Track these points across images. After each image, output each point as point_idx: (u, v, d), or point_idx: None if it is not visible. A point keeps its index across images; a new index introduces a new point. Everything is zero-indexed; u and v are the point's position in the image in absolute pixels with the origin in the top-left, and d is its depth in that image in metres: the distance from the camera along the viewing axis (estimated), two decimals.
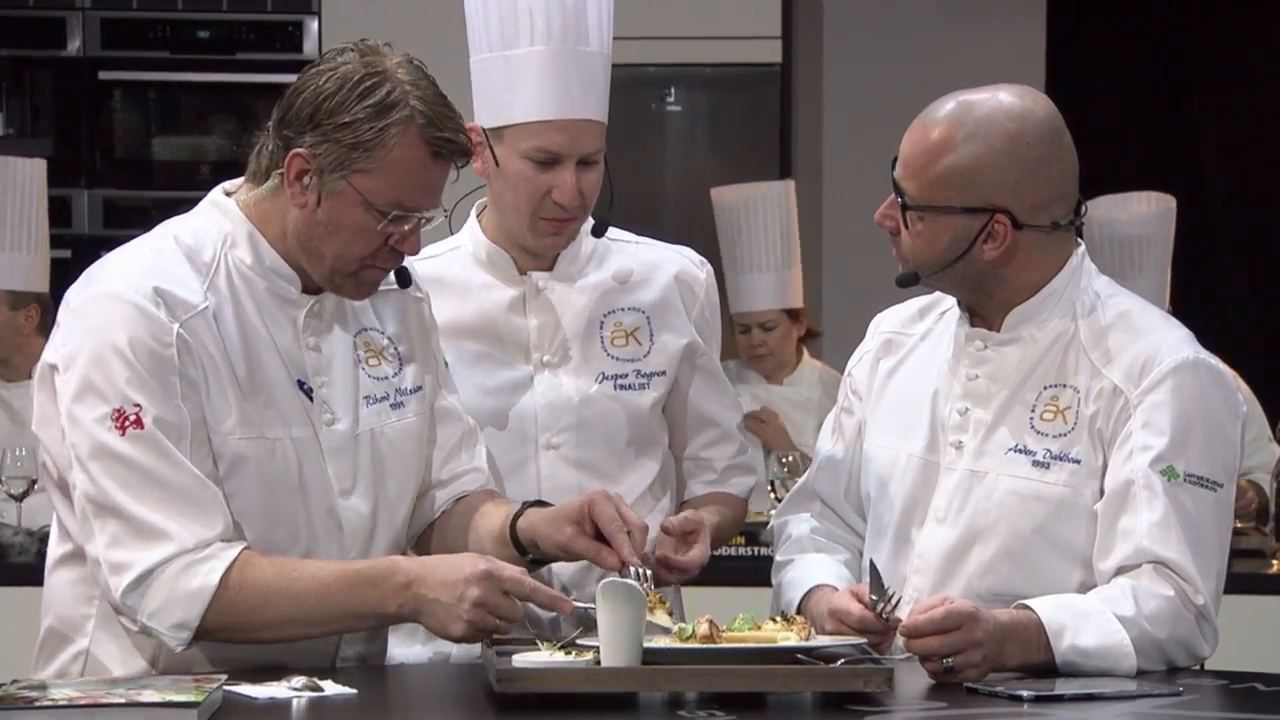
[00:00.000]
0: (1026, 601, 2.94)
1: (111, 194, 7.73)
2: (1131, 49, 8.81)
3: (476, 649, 2.97)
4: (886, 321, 3.33)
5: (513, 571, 2.82)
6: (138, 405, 2.79)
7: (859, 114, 8.17)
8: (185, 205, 3.05)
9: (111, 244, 3.00)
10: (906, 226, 3.08)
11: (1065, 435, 3.06)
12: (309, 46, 7.69)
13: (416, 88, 2.87)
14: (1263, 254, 8.62)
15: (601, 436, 3.35)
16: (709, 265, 3.52)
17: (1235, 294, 8.64)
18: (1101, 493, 3.03)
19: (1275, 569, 5.54)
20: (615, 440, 3.36)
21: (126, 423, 2.79)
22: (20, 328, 6.16)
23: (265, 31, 7.75)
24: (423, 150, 2.87)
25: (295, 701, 2.65)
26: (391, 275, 3.02)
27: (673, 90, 7.91)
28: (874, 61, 8.29)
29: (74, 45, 7.71)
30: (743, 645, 2.75)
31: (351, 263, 2.92)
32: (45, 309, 6.08)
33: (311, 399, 2.95)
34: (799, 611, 3.11)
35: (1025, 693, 2.71)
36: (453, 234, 3.42)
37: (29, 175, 6.29)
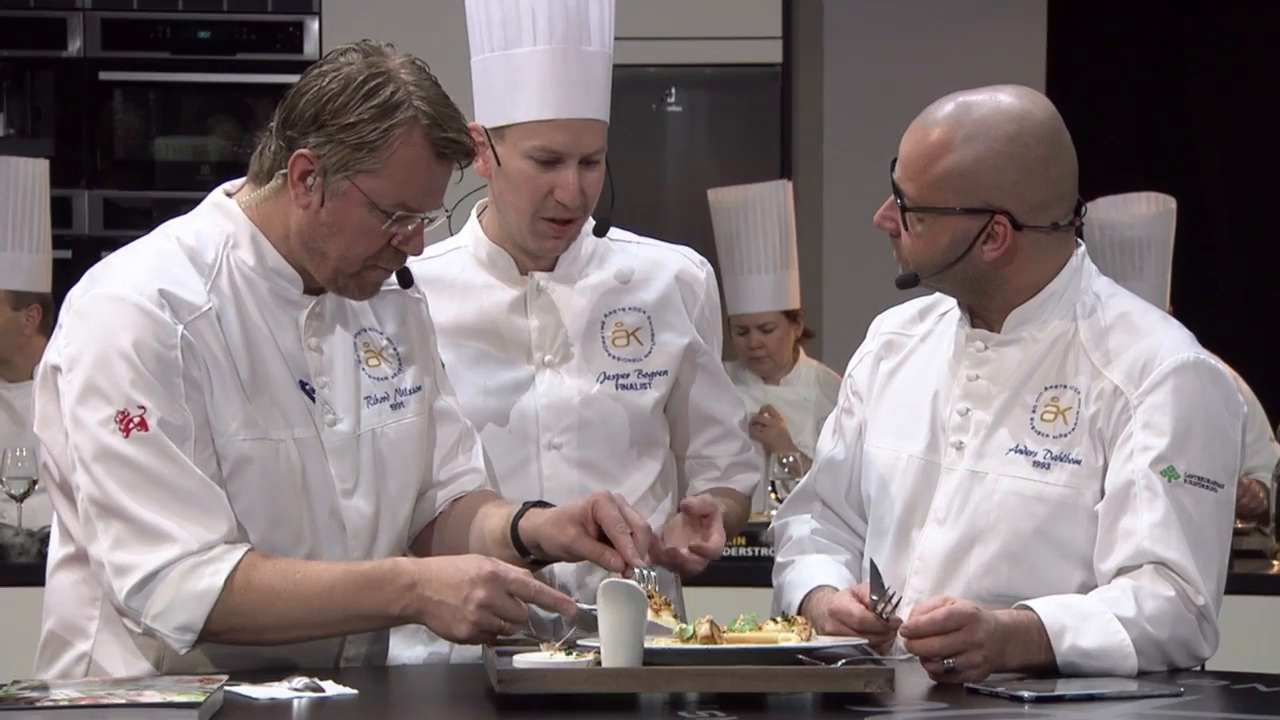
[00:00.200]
0: (1027, 602, 2.94)
1: (112, 194, 7.73)
2: (1132, 50, 8.81)
3: (477, 650, 2.97)
4: (887, 323, 3.33)
5: (518, 573, 2.82)
6: (142, 407, 2.79)
7: (859, 114, 8.17)
8: (186, 206, 3.05)
9: (112, 244, 3.00)
10: (906, 228, 3.08)
11: (1065, 436, 3.06)
12: (309, 47, 7.69)
13: (420, 88, 2.87)
14: (1262, 254, 8.62)
15: (603, 436, 3.35)
16: (709, 265, 3.52)
17: (1235, 294, 8.64)
18: (1102, 493, 3.03)
19: (1276, 569, 5.55)
20: (617, 440, 3.36)
21: (131, 425, 2.79)
22: (22, 328, 6.16)
23: (266, 32, 7.76)
24: (427, 151, 2.87)
25: (296, 702, 2.65)
26: (393, 275, 3.02)
27: (673, 91, 7.91)
28: (874, 62, 8.29)
29: (75, 46, 7.71)
30: (744, 646, 2.75)
31: (355, 263, 2.92)
32: (47, 309, 6.07)
33: (313, 399, 2.96)
34: (800, 612, 3.11)
35: (1026, 693, 2.71)
36: (453, 234, 3.42)
37: (32, 175, 6.29)
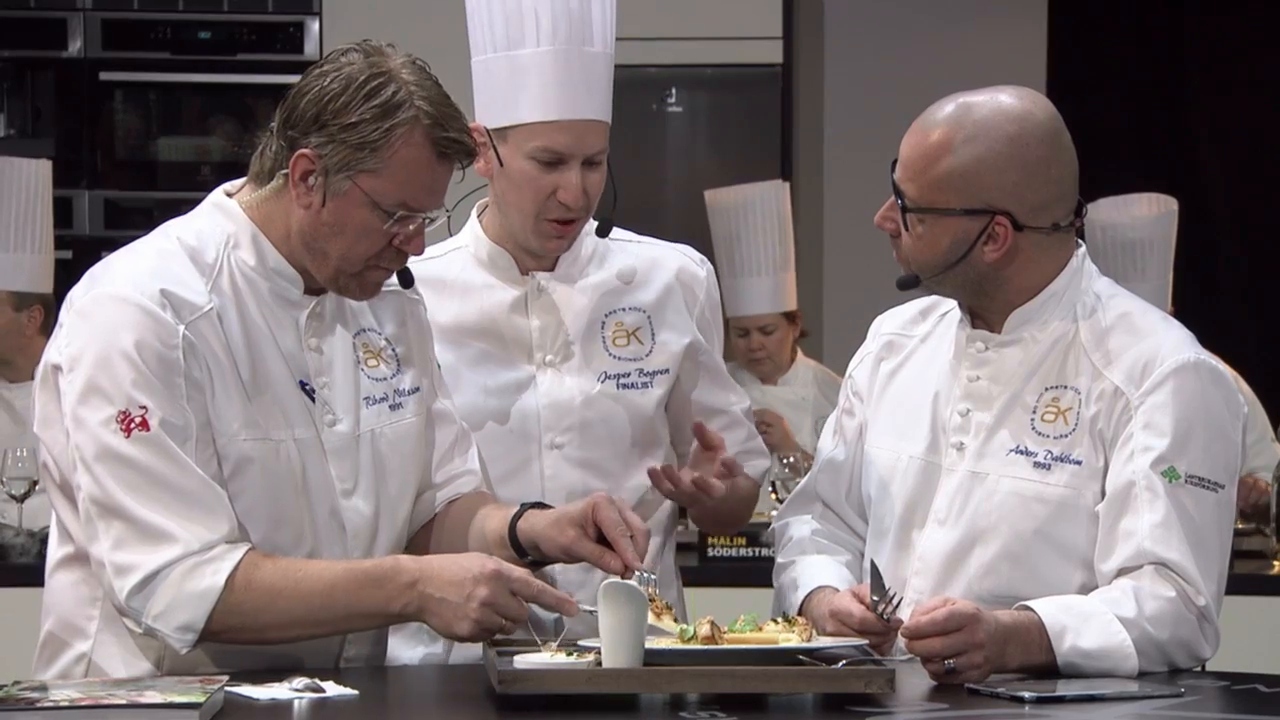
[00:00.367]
0: (1028, 603, 2.94)
1: (113, 195, 7.73)
2: (1132, 50, 8.81)
3: (478, 650, 2.97)
4: (887, 323, 3.33)
5: (521, 572, 2.83)
6: (143, 407, 2.79)
7: (860, 114, 8.17)
8: (186, 206, 3.05)
9: (113, 245, 3.00)
10: (907, 229, 3.08)
11: (1066, 437, 3.06)
12: (310, 47, 7.69)
13: (421, 88, 2.87)
14: (1263, 255, 8.62)
15: (604, 436, 3.35)
16: (709, 264, 3.52)
17: (1235, 295, 8.63)
18: (1103, 494, 3.03)
19: (1276, 570, 5.55)
20: (618, 440, 3.36)
21: (132, 425, 2.79)
22: (24, 328, 6.16)
23: (266, 32, 7.76)
24: (428, 150, 2.87)
25: (297, 703, 2.65)
26: (393, 275, 3.02)
27: (674, 91, 7.92)
28: (875, 62, 8.29)
29: (75, 46, 7.71)
30: (744, 646, 2.75)
31: (356, 263, 2.92)
32: (49, 310, 6.07)
33: (313, 400, 2.96)
34: (800, 613, 3.11)
35: (1027, 694, 2.71)
36: (452, 235, 3.42)
37: (34, 176, 6.29)
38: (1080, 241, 3.15)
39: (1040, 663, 2.89)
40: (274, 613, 2.81)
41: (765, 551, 5.21)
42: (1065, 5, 8.49)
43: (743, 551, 5.39)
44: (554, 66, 3.25)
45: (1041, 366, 3.10)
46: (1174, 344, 3.06)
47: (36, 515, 5.39)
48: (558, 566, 3.17)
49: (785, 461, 5.55)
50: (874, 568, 2.99)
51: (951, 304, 3.21)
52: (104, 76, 7.72)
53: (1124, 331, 3.08)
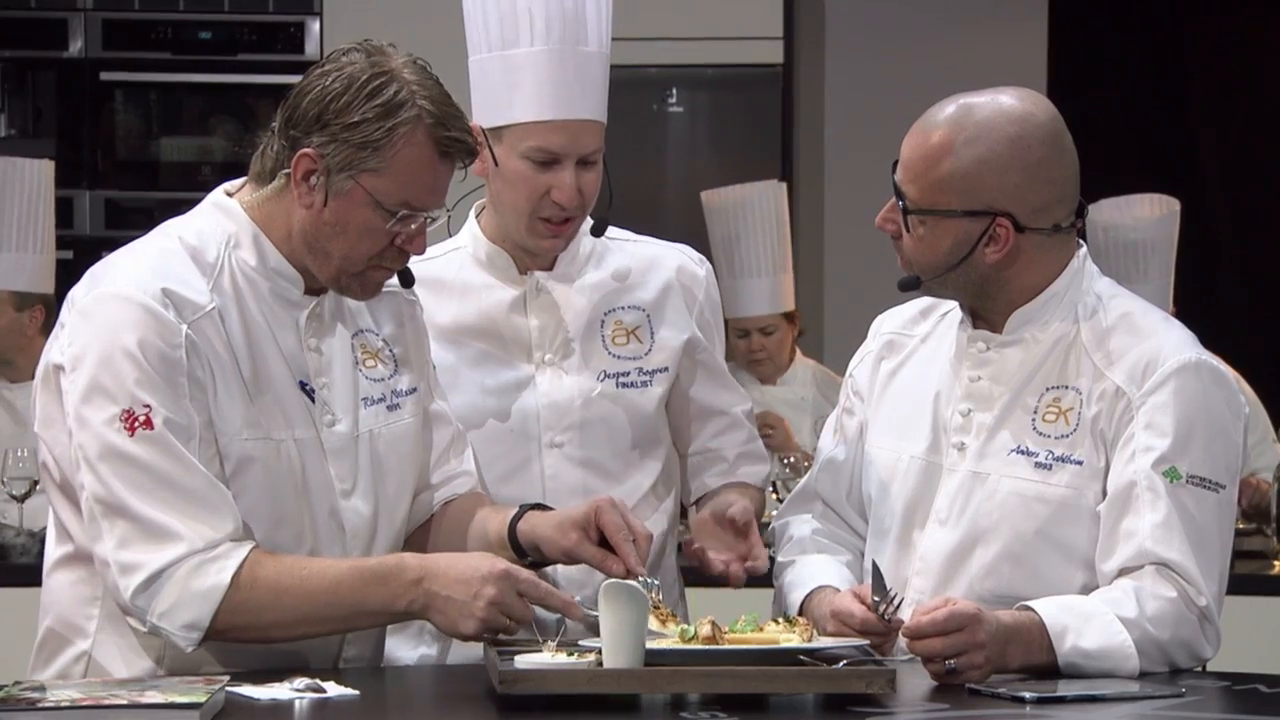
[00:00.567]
0: (1029, 603, 2.94)
1: (113, 195, 7.73)
2: (1133, 51, 8.81)
3: (478, 651, 2.97)
4: (888, 322, 3.33)
5: (529, 574, 2.83)
6: (147, 406, 2.79)
7: (860, 115, 8.17)
8: (187, 206, 3.05)
9: (113, 245, 3.00)
10: (908, 230, 3.07)
11: (1067, 437, 3.06)
12: (310, 47, 7.69)
13: (423, 87, 2.88)
14: (1264, 255, 8.62)
15: (605, 435, 3.35)
16: (708, 263, 3.52)
17: (1237, 295, 8.64)
18: (1104, 494, 3.03)
19: (1277, 570, 5.54)
20: (619, 439, 3.36)
21: (136, 424, 2.79)
22: (25, 328, 6.16)
23: (267, 32, 7.76)
24: (430, 150, 2.88)
25: (297, 703, 2.65)
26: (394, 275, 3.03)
27: (674, 91, 7.92)
28: (875, 62, 8.29)
29: (76, 46, 7.71)
30: (745, 647, 2.75)
31: (358, 263, 2.92)
32: (50, 310, 6.07)
33: (313, 400, 2.96)
34: (801, 613, 3.11)
35: (1027, 694, 2.71)
36: (451, 235, 3.42)
37: (36, 176, 6.29)
38: (1081, 242, 3.15)
39: (1041, 663, 2.89)
40: (279, 610, 2.81)
41: (766, 552, 5.20)
42: (1065, 5, 8.49)
43: None
44: (548, 66, 3.25)
45: (1043, 367, 3.10)
46: (1175, 344, 3.06)
47: (37, 515, 5.39)
48: (559, 566, 3.17)
49: (786, 462, 5.55)
50: (875, 568, 2.99)
51: (952, 304, 3.21)
52: (105, 76, 7.72)
53: (1125, 332, 3.08)
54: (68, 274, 5.09)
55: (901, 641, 2.90)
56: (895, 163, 3.09)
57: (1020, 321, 3.11)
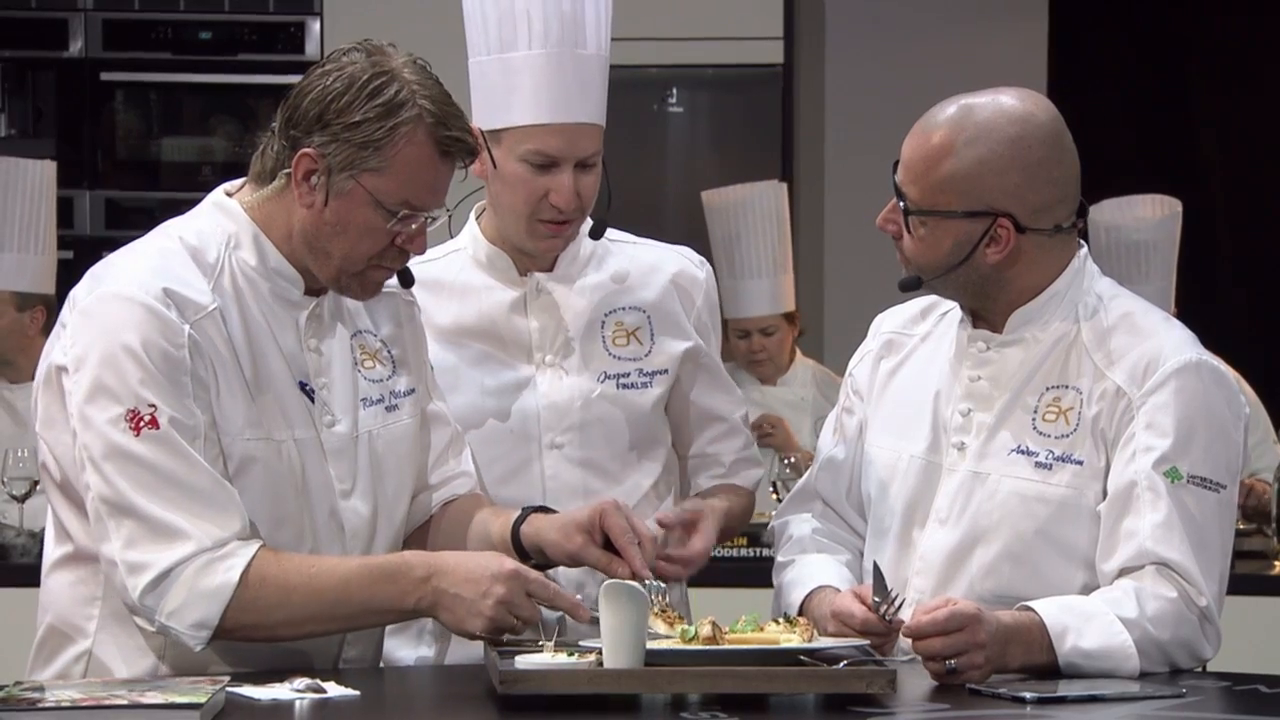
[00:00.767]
0: (1029, 603, 2.94)
1: (114, 195, 7.73)
2: (1133, 50, 8.81)
3: (478, 651, 2.97)
4: (888, 322, 3.33)
5: (538, 575, 2.84)
6: (152, 405, 2.79)
7: (860, 115, 8.17)
8: (187, 206, 3.05)
9: (114, 245, 3.00)
10: (909, 231, 3.07)
11: (1068, 437, 3.06)
12: (310, 47, 7.69)
13: (424, 87, 2.88)
14: (1265, 256, 8.61)
15: (605, 436, 3.35)
16: (708, 265, 3.52)
17: (1237, 296, 8.63)
18: (1104, 494, 3.03)
19: (1278, 570, 5.54)
20: (618, 440, 3.36)
21: (141, 423, 2.79)
22: (26, 329, 6.16)
23: (267, 32, 7.76)
24: (431, 149, 2.88)
25: (298, 703, 2.65)
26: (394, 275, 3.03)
27: (674, 91, 7.91)
28: (875, 62, 8.29)
29: (76, 46, 7.71)
30: (745, 647, 2.75)
31: (359, 262, 2.92)
32: (51, 311, 6.07)
33: (313, 400, 2.96)
34: (801, 613, 3.11)
35: (1028, 694, 2.71)
36: (452, 236, 3.42)
37: (38, 177, 6.29)
38: (1082, 242, 3.16)
39: (1041, 663, 2.89)
40: (288, 608, 2.81)
41: (766, 551, 5.20)
42: (1065, 5, 8.49)
43: (744, 551, 5.39)
44: (546, 69, 3.25)
45: (1043, 366, 3.10)
46: (1176, 344, 3.06)
47: (37, 515, 5.38)
48: (560, 568, 3.17)
49: (786, 462, 5.55)
50: (876, 568, 2.99)
51: (952, 304, 3.21)
52: (105, 77, 7.72)
53: (1126, 332, 3.08)
54: (68, 274, 5.09)
55: (902, 642, 2.90)
56: (896, 163, 3.09)
57: (1020, 321, 3.11)
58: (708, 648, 2.73)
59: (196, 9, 7.73)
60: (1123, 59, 8.79)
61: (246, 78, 7.73)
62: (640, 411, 3.38)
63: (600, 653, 2.70)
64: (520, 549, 3.03)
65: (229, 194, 2.99)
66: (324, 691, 2.69)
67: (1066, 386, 3.08)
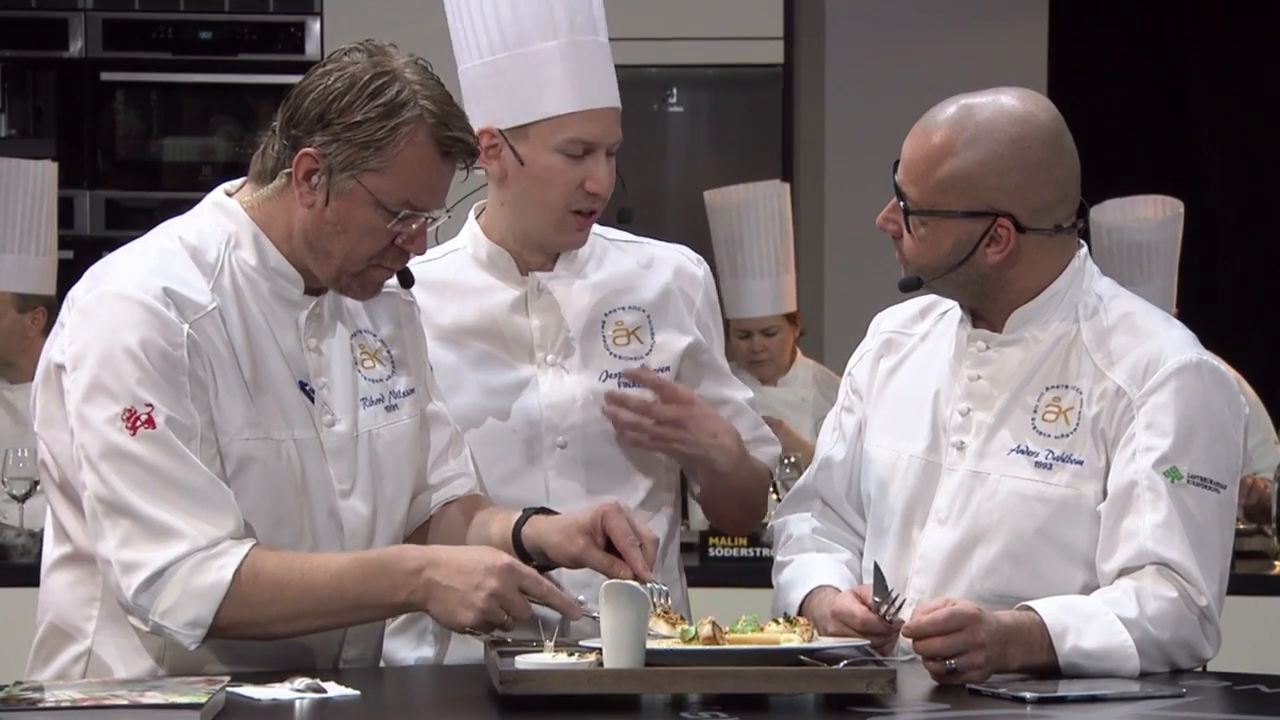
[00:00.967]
0: (1029, 603, 2.94)
1: (114, 195, 7.73)
2: (1134, 51, 8.81)
3: (478, 651, 2.97)
4: (887, 321, 3.33)
5: (532, 570, 2.84)
6: (149, 405, 2.79)
7: (861, 115, 8.17)
8: (188, 206, 3.05)
9: (114, 245, 3.00)
10: (909, 231, 3.07)
11: (1068, 436, 3.06)
12: (311, 47, 7.69)
13: (425, 88, 2.88)
14: (1265, 257, 8.62)
15: (607, 435, 3.34)
16: (705, 264, 3.52)
17: (1238, 297, 8.63)
18: (1104, 494, 3.03)
19: (1278, 570, 5.55)
20: (621, 439, 3.36)
21: (138, 423, 2.79)
22: (27, 330, 6.16)
23: (267, 32, 7.76)
24: (432, 150, 2.88)
25: (298, 703, 2.65)
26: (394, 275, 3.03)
27: (674, 91, 7.92)
28: (876, 62, 8.29)
29: (76, 46, 7.71)
30: (745, 647, 2.75)
31: (359, 262, 2.92)
32: (52, 311, 6.06)
33: (312, 400, 2.96)
34: (801, 612, 3.11)
35: (1028, 694, 2.71)
36: (438, 243, 3.40)
37: (39, 177, 6.29)
38: (1082, 242, 3.16)
39: (1042, 663, 2.89)
40: (281, 605, 2.81)
41: (766, 551, 5.20)
42: (1066, 5, 8.49)
43: (744, 551, 5.39)
44: (574, 57, 3.25)
45: (1043, 366, 3.10)
46: (1176, 344, 3.06)
47: (37, 515, 5.38)
48: (562, 569, 3.17)
49: (787, 461, 5.55)
50: (876, 568, 2.99)
51: (951, 303, 3.21)
52: (105, 76, 7.72)
53: (1126, 332, 3.08)
54: (68, 274, 5.09)
55: (903, 642, 2.90)
56: (896, 163, 3.09)
57: (1020, 321, 3.11)
58: (708, 648, 2.73)
59: (196, 9, 7.74)
60: (1123, 59, 8.79)
61: (246, 78, 7.73)
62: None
63: (600, 653, 2.70)
64: (521, 550, 3.02)
65: (229, 194, 2.99)
66: (324, 691, 2.69)
67: (1066, 386, 3.08)
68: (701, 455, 3.32)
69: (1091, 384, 3.06)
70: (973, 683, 2.80)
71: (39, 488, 5.26)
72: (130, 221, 7.44)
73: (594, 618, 2.79)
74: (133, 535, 2.79)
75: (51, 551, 2.97)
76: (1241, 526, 5.46)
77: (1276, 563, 5.58)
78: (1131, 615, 2.92)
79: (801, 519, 3.33)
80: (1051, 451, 3.06)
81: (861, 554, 3.26)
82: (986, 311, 3.14)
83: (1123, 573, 2.99)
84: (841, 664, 2.73)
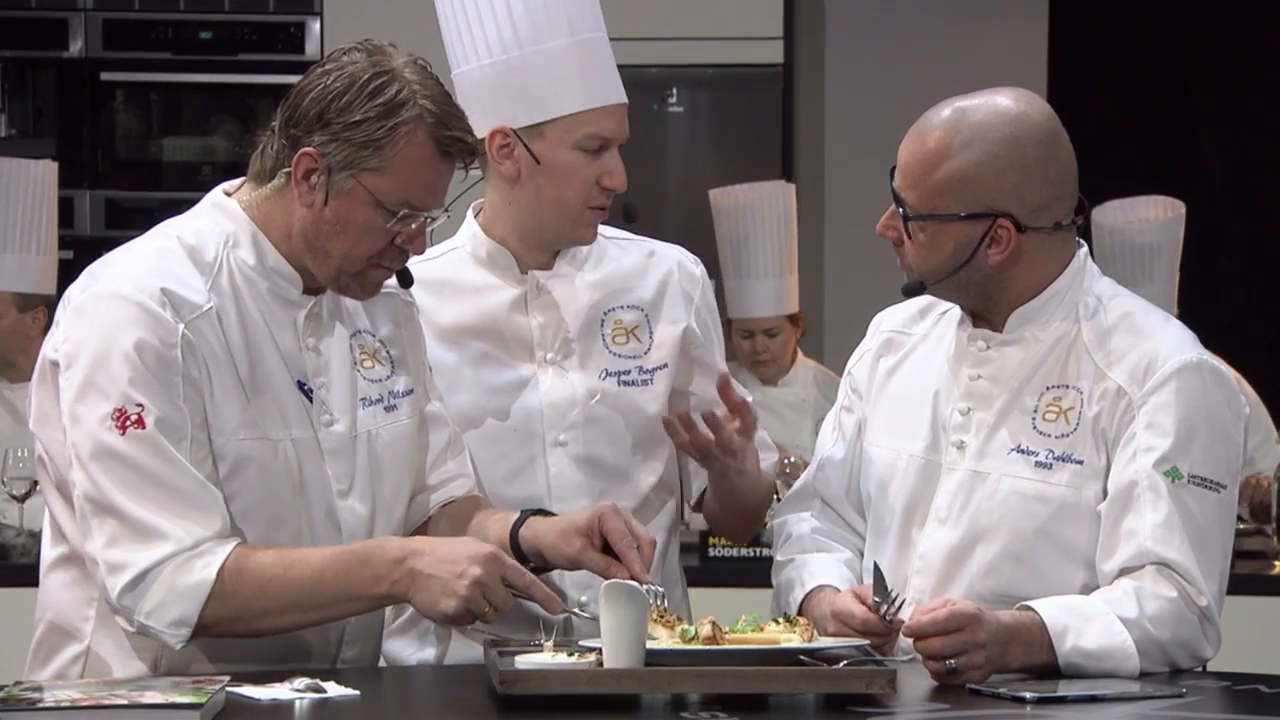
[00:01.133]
0: (1029, 603, 2.94)
1: (114, 195, 7.73)
2: (1133, 51, 8.81)
3: (478, 652, 2.97)
4: (887, 320, 3.33)
5: (515, 562, 2.84)
6: (140, 405, 2.79)
7: (861, 115, 8.17)
8: (187, 206, 3.05)
9: (114, 245, 3.00)
10: (909, 236, 3.07)
11: (1068, 436, 3.06)
12: (311, 47, 7.69)
13: (424, 87, 2.88)
14: (1265, 257, 8.62)
15: (607, 433, 3.34)
16: (703, 264, 3.52)
17: (1238, 297, 8.64)
18: (1104, 494, 3.03)
19: (1277, 570, 5.54)
20: (621, 437, 3.36)
21: (128, 422, 2.79)
22: (27, 329, 6.16)
23: (267, 32, 7.76)
24: (432, 149, 2.88)
25: (298, 703, 2.65)
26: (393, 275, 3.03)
27: (674, 91, 7.91)
28: (876, 62, 8.29)
29: (76, 46, 7.71)
30: (745, 647, 2.75)
31: (358, 262, 2.92)
32: (52, 311, 6.05)
33: (311, 400, 2.96)
34: (800, 612, 3.11)
35: (1028, 694, 2.71)
36: (432, 244, 3.40)
37: (40, 177, 6.29)
38: (1082, 241, 3.16)
39: (1042, 663, 2.89)
40: (265, 600, 2.80)
41: (766, 551, 5.19)
42: (1066, 5, 8.49)
43: (744, 551, 5.39)
44: (587, 54, 3.27)
45: (1043, 366, 3.10)
46: (1176, 344, 3.06)
47: (37, 515, 5.37)
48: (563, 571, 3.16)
49: (787, 462, 5.55)
50: (876, 568, 2.99)
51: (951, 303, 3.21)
52: (105, 76, 7.72)
53: (1126, 331, 3.08)
54: (68, 274, 5.08)
55: (903, 642, 2.90)
56: (893, 169, 3.08)
57: (1021, 320, 3.11)
58: (708, 648, 2.73)
59: (196, 9, 7.73)
60: (1123, 59, 8.80)
61: (246, 78, 7.73)
62: (642, 409, 3.37)
63: (600, 653, 2.70)
64: (519, 552, 3.02)
65: (228, 193, 2.99)
66: (324, 691, 2.69)
67: (1067, 386, 3.08)
68: (729, 483, 3.31)
69: (1092, 384, 3.06)
70: (973, 683, 2.80)
71: (38, 487, 5.26)
72: (130, 221, 7.44)
73: (594, 618, 2.78)
74: (119, 535, 2.78)
75: (49, 551, 2.98)
76: (1242, 526, 5.46)
77: (1276, 563, 5.58)
78: (1131, 615, 2.92)
79: (801, 519, 3.32)
80: (1051, 451, 3.06)
81: (861, 554, 3.26)
82: (988, 312, 3.14)
83: (1123, 572, 2.99)
84: (841, 664, 2.73)
